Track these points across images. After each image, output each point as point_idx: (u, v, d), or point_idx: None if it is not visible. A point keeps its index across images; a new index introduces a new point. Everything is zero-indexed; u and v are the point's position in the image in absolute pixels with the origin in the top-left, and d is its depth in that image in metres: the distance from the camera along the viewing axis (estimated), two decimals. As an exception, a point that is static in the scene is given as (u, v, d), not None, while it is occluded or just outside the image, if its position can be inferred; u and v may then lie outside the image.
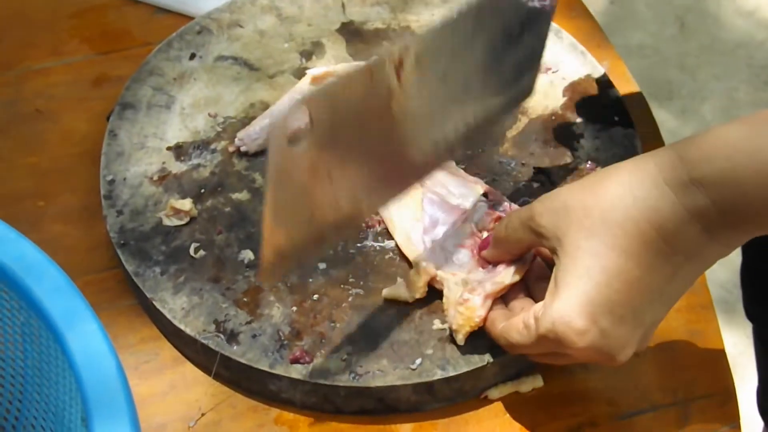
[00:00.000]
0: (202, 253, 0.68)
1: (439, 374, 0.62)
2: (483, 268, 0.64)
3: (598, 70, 0.80)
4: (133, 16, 0.86)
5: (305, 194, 0.56)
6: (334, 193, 0.58)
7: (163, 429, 0.63)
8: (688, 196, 0.53)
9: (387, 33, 0.81)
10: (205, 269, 0.67)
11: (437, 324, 0.65)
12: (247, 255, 0.68)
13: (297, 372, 0.62)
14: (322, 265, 0.67)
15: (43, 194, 0.75)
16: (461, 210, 0.68)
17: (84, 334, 0.45)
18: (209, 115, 0.76)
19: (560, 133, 0.76)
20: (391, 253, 0.68)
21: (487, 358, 0.63)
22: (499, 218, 0.67)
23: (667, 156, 0.54)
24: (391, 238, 0.69)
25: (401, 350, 0.63)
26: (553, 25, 0.82)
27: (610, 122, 0.76)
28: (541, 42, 0.68)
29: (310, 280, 0.67)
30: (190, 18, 0.84)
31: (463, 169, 0.72)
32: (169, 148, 0.74)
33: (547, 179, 0.73)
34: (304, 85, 0.74)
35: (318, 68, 0.75)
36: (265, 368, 0.62)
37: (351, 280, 0.67)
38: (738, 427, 0.65)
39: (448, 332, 0.64)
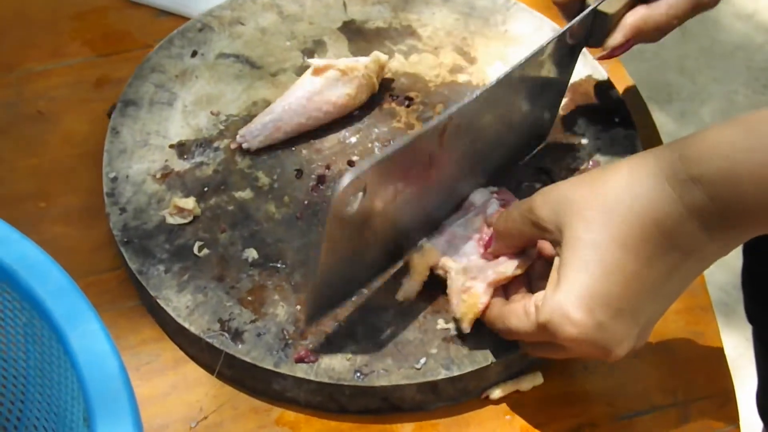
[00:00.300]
0: (205, 251, 0.68)
1: (443, 374, 0.62)
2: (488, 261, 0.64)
3: (599, 72, 0.80)
4: (135, 18, 0.86)
5: (354, 256, 0.61)
6: (378, 247, 0.63)
7: (164, 430, 0.63)
8: (687, 193, 0.53)
9: (388, 32, 0.81)
10: (209, 268, 0.67)
11: (441, 324, 0.65)
12: (251, 253, 0.68)
13: (302, 371, 0.62)
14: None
15: (44, 195, 0.75)
16: (472, 205, 0.68)
17: (86, 334, 0.45)
18: (211, 113, 0.76)
19: (562, 133, 0.76)
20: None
21: (491, 357, 0.63)
22: None
23: (667, 153, 0.55)
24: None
25: (406, 349, 0.64)
26: (554, 25, 0.82)
27: (612, 123, 0.77)
28: (564, 83, 0.73)
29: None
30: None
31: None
32: (171, 146, 0.74)
33: (549, 179, 0.73)
34: (306, 77, 0.74)
35: (320, 59, 0.75)
36: (270, 367, 0.62)
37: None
38: (737, 428, 0.65)
39: (452, 332, 0.64)
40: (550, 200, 0.58)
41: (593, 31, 0.70)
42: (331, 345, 0.64)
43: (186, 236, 0.69)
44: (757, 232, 0.55)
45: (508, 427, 0.64)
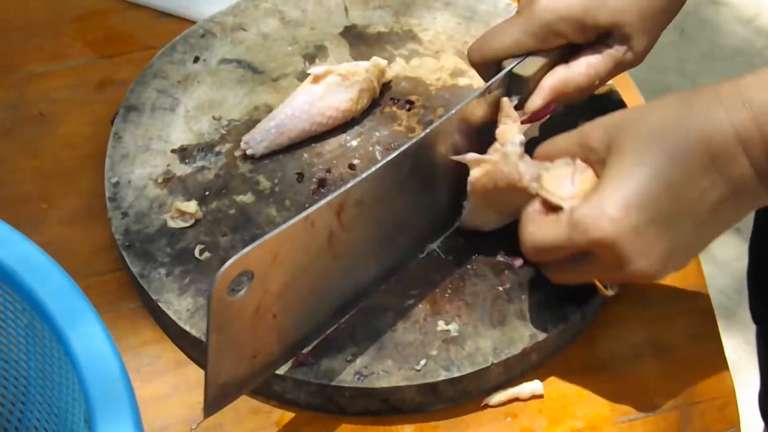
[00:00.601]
0: (207, 254, 0.68)
1: (443, 375, 0.63)
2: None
3: (599, 75, 0.80)
4: (136, 20, 0.86)
5: (248, 335, 0.57)
6: (279, 327, 0.59)
7: (164, 431, 0.63)
8: (736, 115, 0.55)
9: (390, 36, 0.82)
10: (210, 271, 0.67)
11: (441, 325, 0.65)
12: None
13: (302, 373, 0.62)
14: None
15: (46, 197, 0.75)
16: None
17: (87, 335, 0.45)
18: (213, 117, 0.76)
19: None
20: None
21: (491, 359, 0.63)
22: None
23: (725, 83, 0.57)
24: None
25: (406, 351, 0.64)
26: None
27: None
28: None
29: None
30: (193, 22, 0.84)
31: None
32: (173, 151, 0.74)
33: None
34: (307, 85, 0.75)
35: (319, 67, 0.75)
36: (269, 369, 0.62)
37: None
38: (738, 430, 0.65)
39: (452, 334, 0.64)
40: (603, 122, 0.60)
41: (511, 95, 0.67)
42: (330, 347, 0.64)
43: (187, 240, 0.69)
44: None
45: (508, 430, 0.64)
